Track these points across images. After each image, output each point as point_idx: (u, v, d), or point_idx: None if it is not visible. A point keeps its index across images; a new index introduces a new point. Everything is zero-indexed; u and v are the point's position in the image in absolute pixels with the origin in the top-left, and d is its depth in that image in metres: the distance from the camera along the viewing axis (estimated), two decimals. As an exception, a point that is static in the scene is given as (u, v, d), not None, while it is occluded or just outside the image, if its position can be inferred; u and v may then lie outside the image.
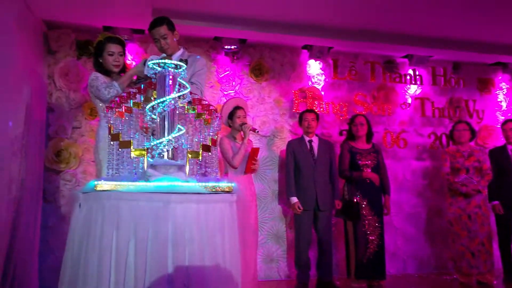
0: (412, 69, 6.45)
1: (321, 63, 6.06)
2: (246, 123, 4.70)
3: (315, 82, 6.06)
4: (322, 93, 6.04)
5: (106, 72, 3.57)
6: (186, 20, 4.86)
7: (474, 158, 5.33)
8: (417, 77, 6.49)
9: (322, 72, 6.09)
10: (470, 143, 5.54)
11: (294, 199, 4.97)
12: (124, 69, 3.68)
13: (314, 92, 5.95)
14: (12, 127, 3.69)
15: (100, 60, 3.58)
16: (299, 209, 4.93)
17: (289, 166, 5.11)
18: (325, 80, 6.10)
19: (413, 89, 6.49)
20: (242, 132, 4.70)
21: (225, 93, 5.70)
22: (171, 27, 3.57)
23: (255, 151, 4.71)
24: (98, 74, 3.49)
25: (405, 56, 6.25)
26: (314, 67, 6.05)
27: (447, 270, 5.99)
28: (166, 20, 3.54)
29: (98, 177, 3.51)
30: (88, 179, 5.05)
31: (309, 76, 6.05)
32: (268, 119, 5.84)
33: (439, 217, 6.24)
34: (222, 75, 5.72)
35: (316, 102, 5.91)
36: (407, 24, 5.42)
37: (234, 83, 5.76)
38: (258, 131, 4.87)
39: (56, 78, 5.09)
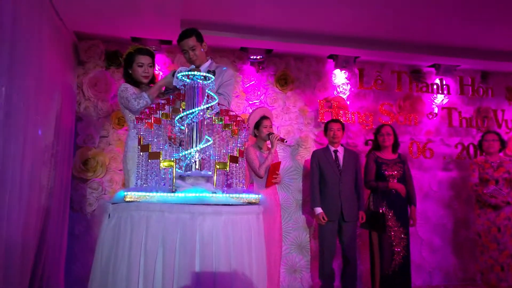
0: (439, 79, 6.37)
1: (347, 73, 6.02)
2: (273, 133, 4.70)
3: (341, 91, 6.03)
4: (348, 102, 6.01)
5: (136, 83, 3.62)
6: (213, 31, 4.89)
7: (504, 169, 5.25)
8: (444, 86, 6.41)
9: (348, 81, 6.06)
10: (499, 153, 5.47)
11: (319, 210, 4.93)
12: (153, 80, 3.72)
13: (339, 102, 5.93)
14: (42, 136, 3.76)
15: (130, 71, 3.64)
16: (324, 219, 4.90)
17: (313, 176, 5.07)
18: (350, 89, 6.07)
19: (440, 99, 6.41)
20: (268, 142, 4.70)
21: (250, 102, 5.71)
22: (200, 39, 3.61)
23: (275, 166, 4.65)
24: (128, 85, 3.54)
25: (432, 66, 6.17)
26: (339, 77, 6.02)
27: (474, 282, 5.89)
28: (195, 32, 3.58)
29: (126, 186, 3.56)
30: (114, 187, 5.13)
31: (335, 86, 6.02)
32: (293, 128, 5.82)
33: (466, 228, 6.16)
34: (248, 85, 5.73)
35: (341, 112, 5.89)
36: (434, 33, 5.36)
37: (259, 92, 5.77)
38: (286, 141, 4.81)
39: (85, 88, 5.17)
